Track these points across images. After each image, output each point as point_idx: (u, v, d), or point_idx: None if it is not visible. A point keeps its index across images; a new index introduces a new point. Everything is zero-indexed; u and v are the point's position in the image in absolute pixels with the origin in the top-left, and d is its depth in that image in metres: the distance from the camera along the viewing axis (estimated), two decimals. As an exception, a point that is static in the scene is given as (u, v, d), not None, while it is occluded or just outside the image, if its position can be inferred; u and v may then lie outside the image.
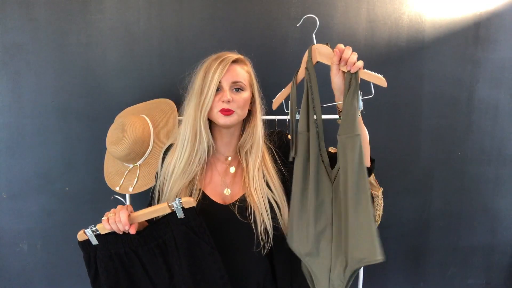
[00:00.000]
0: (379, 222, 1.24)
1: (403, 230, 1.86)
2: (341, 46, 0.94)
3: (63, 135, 1.65)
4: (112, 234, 0.95)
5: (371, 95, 0.96)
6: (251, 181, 1.03)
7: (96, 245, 0.97)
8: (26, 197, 1.68)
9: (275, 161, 1.08)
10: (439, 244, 1.90)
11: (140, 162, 1.41)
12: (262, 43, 1.65)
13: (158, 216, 0.97)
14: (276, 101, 1.11)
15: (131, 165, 1.42)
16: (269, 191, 1.03)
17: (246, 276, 1.03)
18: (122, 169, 1.45)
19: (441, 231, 1.89)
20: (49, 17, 1.58)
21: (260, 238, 1.00)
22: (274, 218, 1.02)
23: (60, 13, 1.58)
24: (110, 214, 0.94)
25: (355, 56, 0.93)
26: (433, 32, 1.73)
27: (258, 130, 1.06)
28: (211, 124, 1.05)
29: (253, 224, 1.00)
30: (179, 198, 0.94)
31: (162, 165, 1.07)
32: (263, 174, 1.05)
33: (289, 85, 1.05)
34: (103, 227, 0.95)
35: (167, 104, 1.49)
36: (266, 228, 1.00)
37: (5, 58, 1.59)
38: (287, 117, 1.38)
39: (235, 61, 1.03)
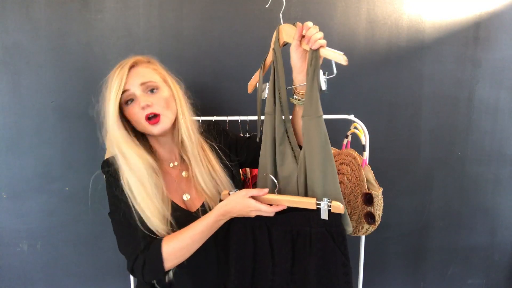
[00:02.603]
0: (379, 222, 1.24)
1: (403, 230, 1.86)
2: (307, 23, 0.89)
3: (63, 135, 1.65)
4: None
5: (333, 74, 0.91)
6: (200, 181, 1.00)
7: None
8: (26, 197, 1.68)
9: (220, 158, 1.05)
10: (439, 244, 1.90)
11: (140, 162, 1.40)
12: (262, 43, 1.65)
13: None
14: (250, 85, 1.09)
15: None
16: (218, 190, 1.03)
17: None
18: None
19: (441, 231, 1.89)
20: (49, 17, 1.58)
21: None
22: None
23: (60, 13, 1.58)
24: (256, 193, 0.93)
25: (318, 34, 0.87)
26: (433, 32, 1.73)
27: (189, 126, 1.00)
28: (146, 135, 0.99)
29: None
30: (328, 199, 0.93)
31: (115, 184, 0.94)
32: (209, 171, 1.02)
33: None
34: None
35: (167, 104, 1.49)
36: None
37: (5, 58, 1.59)
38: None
39: (134, 65, 0.95)
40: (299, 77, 0.96)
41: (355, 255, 1.50)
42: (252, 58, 1.64)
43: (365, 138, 1.34)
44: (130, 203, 0.91)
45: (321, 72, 0.92)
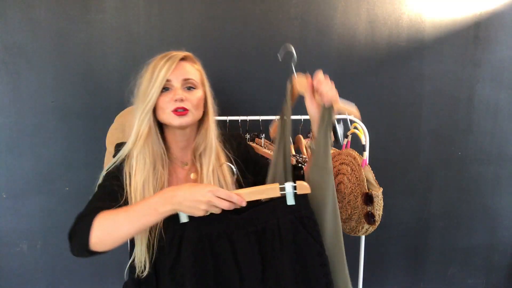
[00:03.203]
0: (379, 222, 1.24)
1: (403, 230, 1.86)
2: (318, 75, 0.87)
3: (63, 135, 1.65)
4: (206, 216, 0.82)
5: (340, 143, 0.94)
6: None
7: (186, 223, 0.83)
8: (26, 197, 1.68)
9: (232, 172, 1.01)
10: (439, 244, 1.90)
11: (140, 162, 1.40)
12: (262, 43, 1.65)
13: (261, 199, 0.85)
14: (271, 134, 1.09)
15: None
16: None
17: None
18: (122, 169, 1.45)
19: (441, 231, 1.89)
20: (49, 17, 1.58)
21: None
22: None
23: (60, 13, 1.58)
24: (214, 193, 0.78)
25: (331, 91, 0.85)
26: (433, 32, 1.73)
27: (211, 132, 0.99)
28: (164, 128, 0.98)
29: None
30: (293, 182, 0.83)
31: (121, 174, 0.94)
32: (219, 180, 0.98)
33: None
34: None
35: (167, 104, 1.49)
36: None
37: (5, 58, 1.59)
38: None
39: (183, 59, 0.97)
40: (316, 127, 0.93)
41: (355, 255, 1.50)
42: (252, 58, 1.65)
43: (365, 138, 1.34)
44: (125, 188, 0.92)
45: (337, 125, 0.93)
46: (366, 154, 1.32)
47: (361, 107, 1.82)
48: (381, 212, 1.21)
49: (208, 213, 0.79)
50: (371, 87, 1.73)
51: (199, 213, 0.77)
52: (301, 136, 1.42)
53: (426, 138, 1.80)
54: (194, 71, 0.98)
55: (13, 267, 1.73)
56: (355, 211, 1.29)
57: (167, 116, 0.92)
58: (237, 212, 0.84)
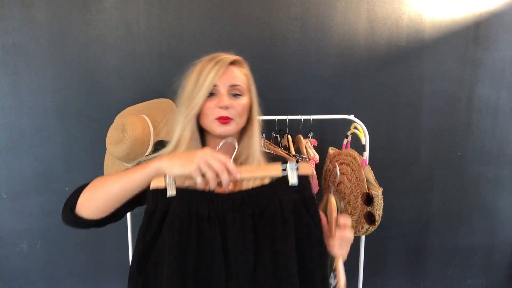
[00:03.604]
0: (379, 222, 1.24)
1: (403, 230, 1.86)
2: (346, 223, 0.82)
3: (63, 135, 1.65)
4: (197, 190, 0.74)
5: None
6: None
7: (172, 197, 0.74)
8: (26, 197, 1.68)
9: None
10: (439, 244, 1.90)
11: (140, 162, 1.41)
12: (262, 43, 1.65)
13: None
14: None
15: (131, 165, 1.42)
16: None
17: None
18: (122, 169, 1.45)
19: (441, 231, 1.89)
20: (49, 17, 1.58)
21: None
22: None
23: (60, 13, 1.58)
24: (205, 159, 0.71)
25: (346, 244, 0.83)
26: (433, 32, 1.73)
27: (255, 140, 0.94)
28: (205, 133, 0.94)
29: None
30: (296, 162, 0.77)
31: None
32: None
33: None
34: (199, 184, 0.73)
35: (167, 104, 1.49)
36: None
37: (5, 58, 1.59)
38: (287, 117, 1.38)
39: (232, 63, 0.92)
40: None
41: (355, 255, 1.50)
42: (252, 59, 1.64)
43: (365, 138, 1.34)
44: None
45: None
46: (366, 154, 1.32)
47: (361, 107, 1.83)
48: (381, 212, 1.21)
49: (199, 183, 0.71)
50: (371, 87, 1.73)
51: (190, 167, 0.71)
52: (301, 136, 1.42)
53: (426, 138, 1.80)
54: (241, 76, 0.93)
55: (13, 267, 1.73)
56: (355, 211, 1.29)
57: (210, 123, 0.88)
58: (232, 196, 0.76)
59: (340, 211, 0.88)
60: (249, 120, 0.96)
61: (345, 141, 1.47)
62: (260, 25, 1.65)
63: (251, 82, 0.97)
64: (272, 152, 1.35)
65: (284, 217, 0.75)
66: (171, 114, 1.46)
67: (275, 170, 0.76)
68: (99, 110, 1.64)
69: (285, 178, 0.77)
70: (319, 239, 0.78)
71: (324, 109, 1.66)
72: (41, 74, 1.61)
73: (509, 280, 1.98)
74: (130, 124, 1.36)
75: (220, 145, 0.87)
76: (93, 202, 0.83)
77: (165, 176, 0.75)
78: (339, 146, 1.48)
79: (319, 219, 0.79)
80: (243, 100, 0.91)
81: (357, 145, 1.38)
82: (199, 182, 0.72)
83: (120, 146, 1.36)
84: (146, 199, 0.77)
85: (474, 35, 1.75)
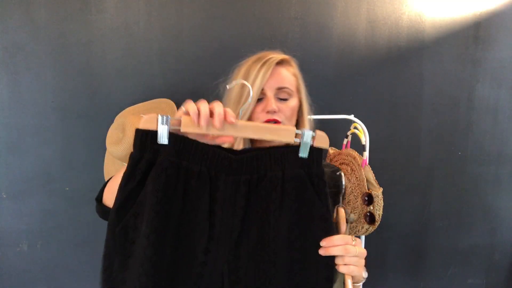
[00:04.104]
0: (379, 222, 1.24)
1: (403, 230, 1.86)
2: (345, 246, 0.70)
3: (63, 135, 1.65)
4: (193, 141, 0.66)
5: None
6: None
7: (163, 145, 0.65)
8: (26, 197, 1.68)
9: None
10: (439, 244, 1.90)
11: (140, 162, 1.40)
12: (262, 43, 1.65)
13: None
14: None
15: None
16: None
17: None
18: (122, 169, 1.45)
19: (441, 231, 1.89)
20: (49, 17, 1.58)
21: None
22: None
23: (60, 13, 1.58)
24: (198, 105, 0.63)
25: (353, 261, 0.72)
26: (433, 32, 1.73)
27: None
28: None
29: None
30: (313, 131, 0.67)
31: None
32: None
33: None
34: (190, 121, 0.63)
35: (167, 104, 1.49)
36: None
37: (5, 58, 1.59)
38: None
39: (279, 63, 0.86)
40: None
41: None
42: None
43: (365, 138, 1.34)
44: None
45: None
46: (366, 154, 1.32)
47: (361, 107, 1.83)
48: (381, 212, 1.21)
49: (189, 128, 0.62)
50: (371, 87, 1.73)
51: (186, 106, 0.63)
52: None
53: (426, 138, 1.80)
54: (290, 77, 0.87)
55: (13, 267, 1.73)
56: (355, 211, 1.29)
57: None
58: (232, 151, 0.68)
59: (350, 222, 0.84)
60: (298, 123, 0.90)
61: (345, 141, 1.47)
62: (260, 25, 1.65)
63: (300, 82, 0.91)
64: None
65: (284, 191, 0.67)
66: (170, 114, 1.46)
67: (287, 135, 0.66)
68: (99, 110, 1.64)
69: (295, 147, 0.67)
70: (324, 216, 0.68)
71: (324, 109, 1.66)
72: (41, 74, 1.61)
73: (509, 280, 1.98)
74: (130, 124, 1.36)
75: None
76: (113, 191, 0.81)
77: (157, 116, 0.65)
78: (339, 146, 1.48)
79: (327, 198, 0.69)
80: (292, 103, 0.86)
81: (357, 145, 1.38)
82: (191, 112, 0.62)
83: (120, 146, 1.36)
84: None
85: (474, 35, 1.75)
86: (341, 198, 1.01)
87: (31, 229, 1.71)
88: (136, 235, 0.65)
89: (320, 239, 0.69)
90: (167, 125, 0.64)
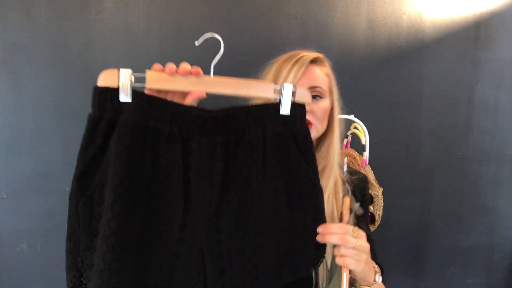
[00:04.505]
0: (379, 222, 1.24)
1: (403, 230, 1.86)
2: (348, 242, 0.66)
3: (63, 135, 1.65)
4: (160, 99, 0.60)
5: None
6: None
7: (126, 103, 0.59)
8: (26, 197, 1.67)
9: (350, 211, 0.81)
10: (439, 244, 1.90)
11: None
12: (262, 43, 1.65)
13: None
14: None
15: None
16: None
17: None
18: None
19: (441, 231, 1.89)
20: (49, 17, 1.58)
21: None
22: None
23: (60, 13, 1.58)
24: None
25: (351, 253, 0.67)
26: (433, 32, 1.73)
27: (334, 149, 0.84)
28: None
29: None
30: (292, 86, 0.62)
31: None
32: (332, 213, 0.80)
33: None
34: (156, 75, 0.58)
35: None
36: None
37: (5, 58, 1.59)
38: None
39: (312, 61, 0.82)
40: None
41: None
42: (253, 59, 1.64)
43: (365, 138, 1.34)
44: None
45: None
46: (366, 154, 1.32)
47: (361, 107, 1.83)
48: (381, 212, 1.21)
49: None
50: (371, 87, 1.73)
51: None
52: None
53: (426, 138, 1.80)
54: (323, 76, 0.84)
55: (13, 267, 1.73)
56: (355, 211, 1.29)
57: None
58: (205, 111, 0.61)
59: (356, 213, 0.79)
60: (329, 126, 0.86)
61: (345, 141, 1.47)
62: (260, 25, 1.64)
63: (333, 82, 0.87)
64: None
65: (265, 152, 0.60)
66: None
67: (265, 90, 0.61)
68: (99, 110, 1.63)
69: (275, 105, 0.62)
70: (311, 180, 0.62)
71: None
72: (41, 74, 1.61)
73: (509, 280, 1.98)
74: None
75: None
76: None
77: (118, 71, 0.59)
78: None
79: (313, 159, 0.63)
80: (324, 104, 0.82)
81: (357, 145, 1.38)
82: (156, 67, 0.57)
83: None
84: None
85: (474, 35, 1.75)
86: (366, 206, 0.96)
87: (31, 229, 1.70)
88: (103, 209, 0.58)
89: (309, 207, 0.63)
90: (129, 80, 0.57)
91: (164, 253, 0.58)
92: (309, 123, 0.78)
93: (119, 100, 0.59)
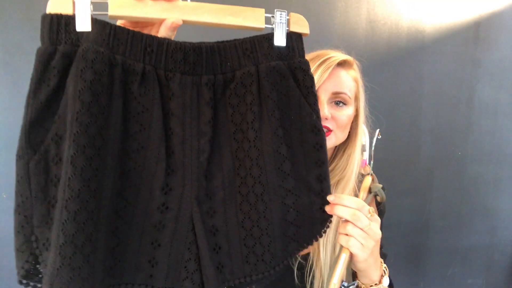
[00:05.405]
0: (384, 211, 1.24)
1: (403, 230, 1.86)
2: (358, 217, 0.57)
3: (63, 135, 1.65)
4: (128, 29, 0.46)
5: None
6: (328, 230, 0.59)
7: (85, 33, 0.45)
8: (26, 197, 1.67)
9: None
10: (439, 244, 1.90)
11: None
12: (262, 43, 1.65)
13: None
14: None
15: None
16: None
17: None
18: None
19: (441, 231, 1.89)
20: (49, 17, 1.58)
21: None
22: None
23: (60, 13, 1.58)
24: None
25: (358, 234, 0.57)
26: (433, 32, 1.73)
27: (354, 161, 0.79)
28: None
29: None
30: (285, 12, 0.51)
31: None
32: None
33: None
34: (119, 0, 0.44)
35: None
36: None
37: (5, 58, 1.59)
38: None
39: (340, 64, 0.75)
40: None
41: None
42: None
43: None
44: None
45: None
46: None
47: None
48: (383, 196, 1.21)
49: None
50: (371, 87, 1.73)
51: None
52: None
53: (426, 138, 1.80)
54: (349, 81, 0.77)
55: (13, 267, 1.73)
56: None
57: None
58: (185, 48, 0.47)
59: (374, 194, 0.71)
60: (350, 136, 0.80)
61: (345, 141, 1.46)
62: (260, 25, 1.64)
63: (360, 89, 0.81)
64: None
65: (261, 93, 0.49)
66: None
67: (255, 19, 0.52)
68: (99, 110, 1.63)
69: (268, 35, 0.53)
70: (314, 126, 0.51)
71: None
72: (41, 74, 1.61)
73: (509, 280, 1.98)
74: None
75: None
76: None
77: None
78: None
79: (315, 99, 0.53)
80: (347, 111, 0.76)
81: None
82: None
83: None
84: None
85: (474, 35, 1.75)
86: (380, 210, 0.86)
87: (31, 229, 1.70)
88: (62, 168, 0.45)
89: (312, 161, 0.51)
90: (88, 5, 0.44)
91: (144, 225, 0.45)
92: (328, 129, 0.72)
93: (75, 30, 0.46)
